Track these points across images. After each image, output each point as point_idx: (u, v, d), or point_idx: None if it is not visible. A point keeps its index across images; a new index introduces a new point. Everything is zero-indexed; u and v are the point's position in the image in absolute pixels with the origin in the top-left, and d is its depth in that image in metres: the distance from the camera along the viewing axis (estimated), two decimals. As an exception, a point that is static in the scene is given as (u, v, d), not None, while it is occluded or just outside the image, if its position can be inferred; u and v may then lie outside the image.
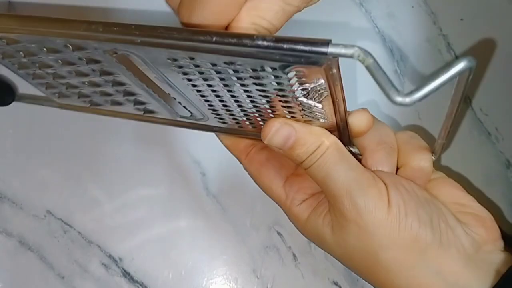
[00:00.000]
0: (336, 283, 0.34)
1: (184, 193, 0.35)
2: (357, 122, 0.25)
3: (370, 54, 0.21)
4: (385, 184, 0.25)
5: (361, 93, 0.35)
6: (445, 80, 0.22)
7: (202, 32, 0.20)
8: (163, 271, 0.35)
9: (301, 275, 0.34)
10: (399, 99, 0.21)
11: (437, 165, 0.32)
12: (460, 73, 0.22)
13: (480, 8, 0.36)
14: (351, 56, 0.21)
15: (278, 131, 0.24)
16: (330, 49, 0.21)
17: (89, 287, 0.34)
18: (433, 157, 0.27)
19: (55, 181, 0.36)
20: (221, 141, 0.31)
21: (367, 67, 0.21)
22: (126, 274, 0.35)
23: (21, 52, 0.25)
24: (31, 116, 0.37)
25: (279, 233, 0.35)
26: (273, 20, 0.23)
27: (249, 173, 0.30)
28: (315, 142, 0.24)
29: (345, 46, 0.21)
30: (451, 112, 0.23)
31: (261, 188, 0.30)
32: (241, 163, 0.30)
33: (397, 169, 0.28)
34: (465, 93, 0.22)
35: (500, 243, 0.26)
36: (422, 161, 0.27)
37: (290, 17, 0.24)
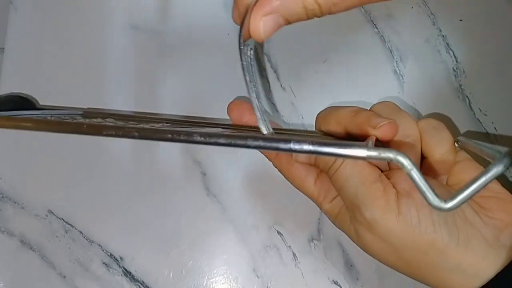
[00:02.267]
0: (336, 282, 0.34)
1: (184, 193, 0.35)
2: (383, 137, 0.25)
3: (409, 160, 0.21)
4: (397, 191, 0.25)
5: (367, 88, 0.35)
6: (483, 185, 0.21)
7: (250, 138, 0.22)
8: (163, 270, 0.35)
9: (301, 274, 0.34)
10: (438, 205, 0.22)
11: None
12: (497, 177, 0.21)
13: (479, 9, 0.36)
14: (390, 160, 0.21)
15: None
16: (369, 153, 0.21)
17: (90, 286, 0.35)
18: (456, 145, 0.28)
19: (57, 181, 0.36)
20: None
21: (408, 174, 0.22)
22: (127, 273, 0.35)
23: None
24: (32, 116, 0.37)
25: (279, 233, 0.35)
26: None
27: (280, 171, 0.31)
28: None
29: (383, 150, 0.21)
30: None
31: (293, 186, 0.31)
32: (270, 161, 0.31)
33: (422, 157, 0.28)
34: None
35: None
36: (444, 154, 0.27)
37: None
